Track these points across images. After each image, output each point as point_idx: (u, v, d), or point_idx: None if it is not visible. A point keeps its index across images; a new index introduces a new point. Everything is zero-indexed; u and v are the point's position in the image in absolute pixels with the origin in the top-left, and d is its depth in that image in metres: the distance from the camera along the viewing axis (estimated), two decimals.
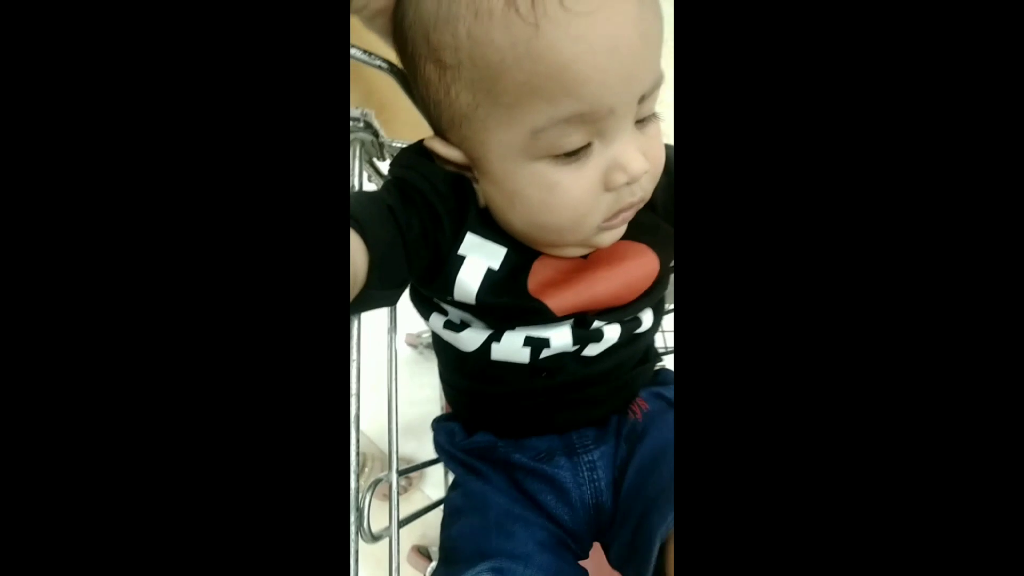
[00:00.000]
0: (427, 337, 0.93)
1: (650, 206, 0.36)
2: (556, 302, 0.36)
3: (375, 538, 0.37)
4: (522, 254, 0.36)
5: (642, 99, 0.30)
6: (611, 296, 0.38)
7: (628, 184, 0.31)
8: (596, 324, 0.38)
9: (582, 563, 0.42)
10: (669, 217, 0.39)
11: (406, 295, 0.40)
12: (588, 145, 0.29)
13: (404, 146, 0.38)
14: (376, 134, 0.42)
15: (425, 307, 0.41)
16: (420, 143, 0.35)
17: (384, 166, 0.46)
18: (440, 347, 0.44)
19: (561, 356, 0.39)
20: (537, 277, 0.36)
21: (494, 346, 0.38)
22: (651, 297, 0.40)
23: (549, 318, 0.37)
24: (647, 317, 0.41)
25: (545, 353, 0.38)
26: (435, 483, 0.88)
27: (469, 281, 0.35)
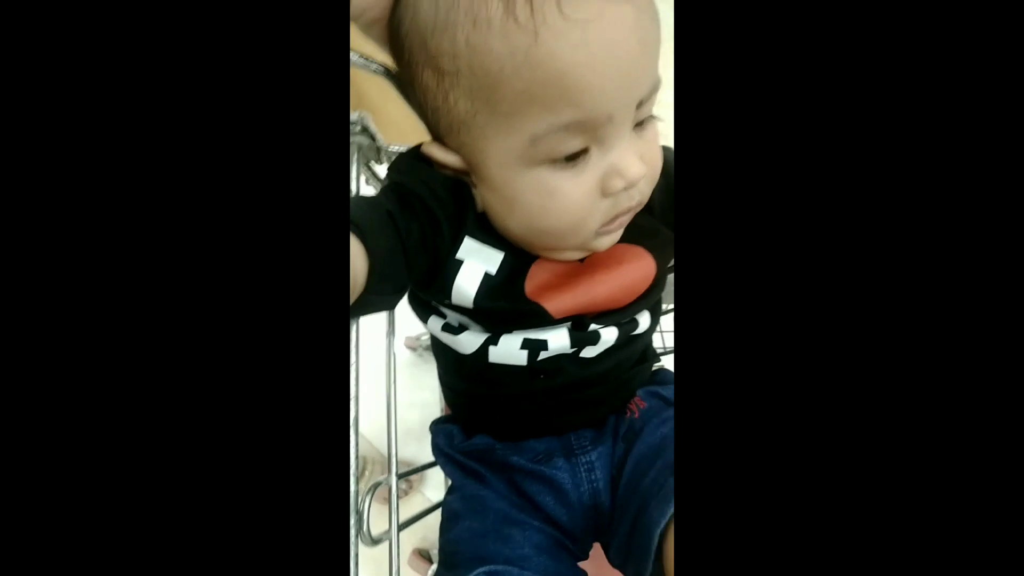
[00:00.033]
0: (426, 340, 0.93)
1: (647, 208, 0.36)
2: (554, 305, 0.36)
3: (375, 541, 0.37)
4: (519, 258, 0.36)
5: (640, 104, 0.30)
6: (608, 299, 0.38)
7: (626, 189, 0.31)
8: (593, 326, 0.38)
9: (582, 564, 0.42)
10: (667, 219, 0.39)
11: (404, 298, 0.40)
12: (586, 149, 0.30)
13: (401, 150, 0.38)
14: (373, 138, 0.42)
15: (423, 310, 0.41)
16: (417, 148, 0.35)
17: (380, 169, 0.46)
18: (439, 350, 0.45)
19: (559, 358, 0.39)
20: (534, 280, 0.36)
21: (492, 349, 0.38)
22: (648, 299, 0.40)
23: (547, 321, 0.37)
24: (644, 319, 0.41)
25: (543, 355, 0.38)
26: (436, 485, 0.88)
27: (467, 285, 0.35)
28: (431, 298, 0.39)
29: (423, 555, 0.73)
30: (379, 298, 0.32)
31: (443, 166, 0.33)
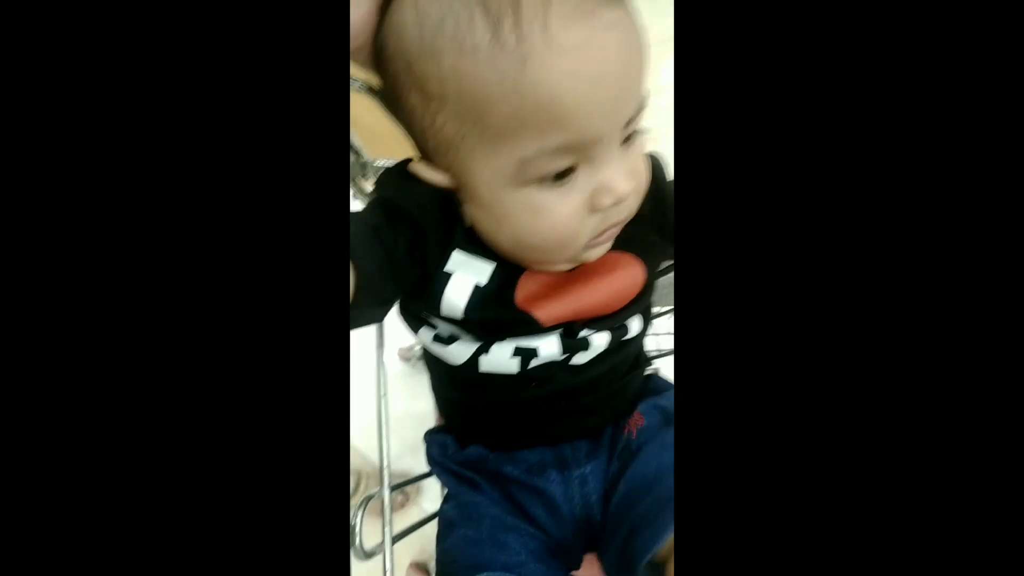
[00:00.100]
0: (419, 351, 0.93)
1: (636, 215, 0.37)
2: (544, 313, 0.37)
3: (368, 555, 0.37)
4: (509, 269, 0.36)
5: (627, 123, 0.30)
6: (598, 305, 0.38)
7: (615, 205, 0.31)
8: (583, 333, 0.38)
9: (575, 573, 0.42)
10: (655, 224, 0.39)
11: (395, 310, 0.40)
12: (574, 167, 0.30)
13: (387, 165, 0.39)
14: (358, 153, 0.42)
15: (414, 321, 0.41)
16: (404, 163, 0.35)
17: (366, 184, 0.47)
18: (430, 361, 0.45)
19: (550, 365, 0.39)
20: (524, 290, 0.36)
21: (482, 358, 0.38)
22: (638, 305, 0.40)
23: (537, 329, 0.37)
24: (635, 324, 0.42)
25: (534, 363, 0.38)
26: (433, 497, 0.87)
27: (456, 297, 0.35)
28: (421, 310, 0.39)
29: (421, 568, 0.73)
30: (367, 311, 0.32)
31: (431, 184, 0.34)
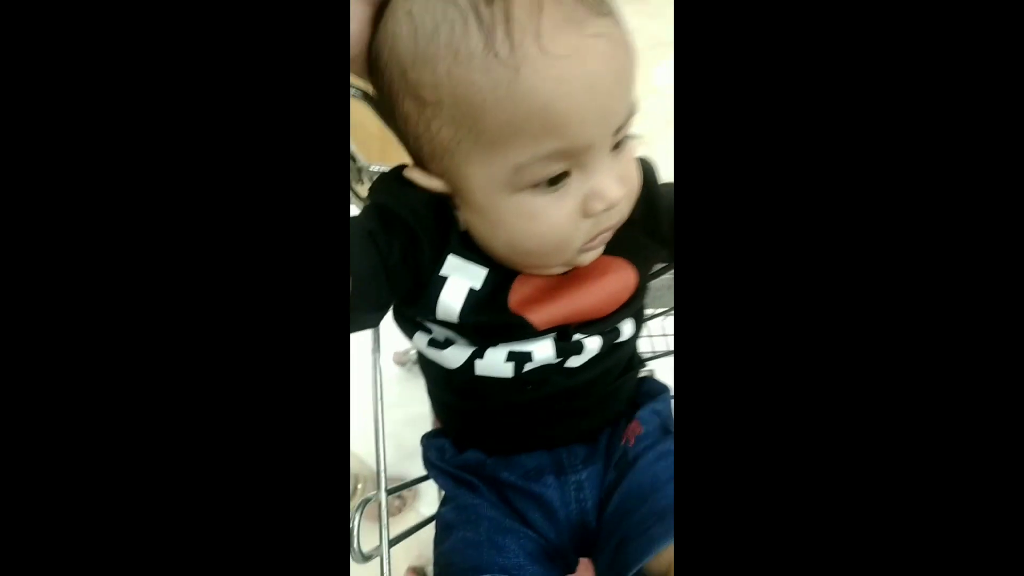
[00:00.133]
0: (414, 355, 0.93)
1: (628, 219, 0.37)
2: (538, 316, 0.37)
3: (366, 558, 0.37)
4: (503, 273, 0.36)
5: (617, 130, 0.31)
6: (591, 309, 0.39)
7: (607, 210, 0.32)
8: (576, 336, 0.39)
9: None
10: (646, 228, 0.40)
11: (390, 315, 0.40)
12: (567, 173, 0.30)
13: (382, 170, 0.39)
14: (353, 159, 0.42)
15: (409, 326, 0.41)
16: (399, 168, 0.35)
17: (361, 189, 0.47)
18: (426, 365, 0.45)
19: (544, 369, 0.39)
20: (518, 294, 0.37)
21: (477, 362, 0.38)
22: (630, 308, 0.41)
23: (531, 332, 0.38)
24: (627, 327, 0.42)
25: (528, 367, 0.39)
26: (430, 502, 0.87)
27: (451, 301, 0.36)
28: (416, 314, 0.40)
29: (418, 572, 0.73)
30: (361, 316, 0.33)
31: (425, 189, 0.34)
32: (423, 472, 0.48)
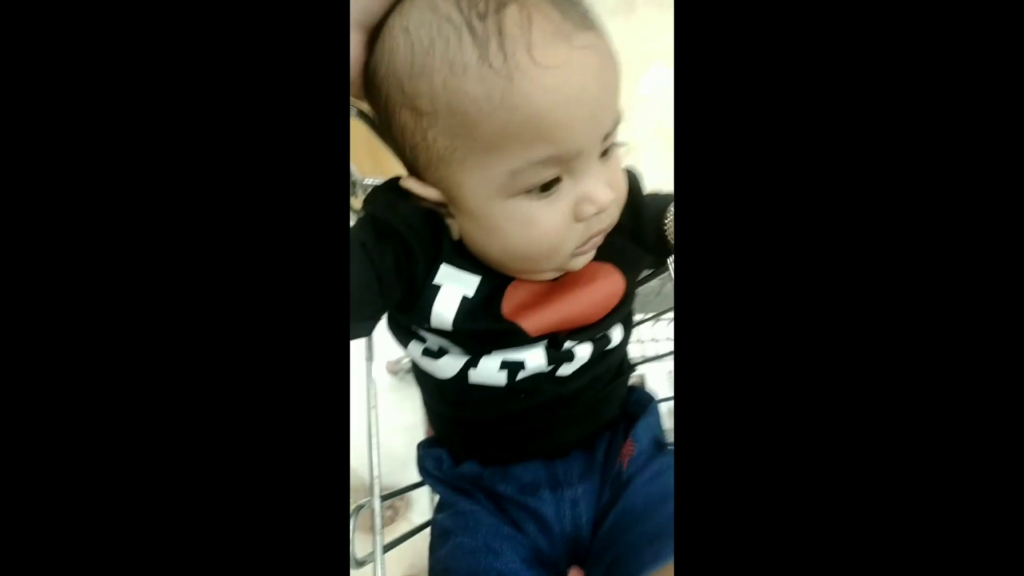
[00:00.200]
0: (407, 364, 0.94)
1: (616, 226, 0.38)
2: (530, 323, 0.38)
3: (360, 563, 0.38)
4: (495, 280, 0.37)
5: (605, 137, 0.32)
6: (582, 315, 0.40)
7: (597, 214, 0.33)
8: (568, 344, 0.40)
9: None
10: (634, 236, 0.41)
11: (382, 324, 0.41)
12: (559, 179, 0.32)
13: (376, 183, 0.40)
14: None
15: (403, 335, 0.42)
16: (393, 181, 0.36)
17: (355, 202, 0.48)
18: (420, 375, 0.45)
19: (536, 377, 0.40)
20: (511, 301, 0.38)
21: (471, 372, 0.39)
22: (619, 314, 0.42)
23: (524, 340, 0.38)
24: (616, 333, 0.43)
25: (521, 375, 0.39)
26: (422, 511, 0.87)
27: (445, 310, 0.37)
28: (411, 323, 0.40)
29: None
30: (354, 325, 0.34)
31: (421, 199, 0.35)
32: (415, 479, 0.48)
